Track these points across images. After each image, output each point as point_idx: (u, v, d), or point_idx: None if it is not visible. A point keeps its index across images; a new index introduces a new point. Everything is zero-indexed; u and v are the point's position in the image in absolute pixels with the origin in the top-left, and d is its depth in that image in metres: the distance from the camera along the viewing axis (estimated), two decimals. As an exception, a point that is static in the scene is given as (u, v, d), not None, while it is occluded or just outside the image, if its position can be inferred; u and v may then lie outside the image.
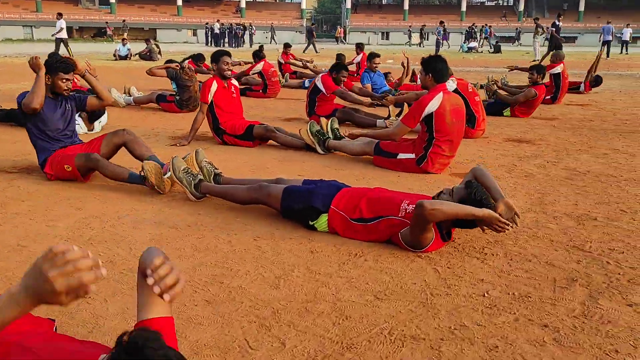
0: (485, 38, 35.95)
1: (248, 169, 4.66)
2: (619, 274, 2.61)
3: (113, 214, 3.41)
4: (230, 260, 2.73)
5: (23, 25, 44.20)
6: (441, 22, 25.06)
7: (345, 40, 49.52)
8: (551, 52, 10.14)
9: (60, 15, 20.22)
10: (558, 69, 8.94)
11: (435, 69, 4.45)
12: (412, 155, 4.54)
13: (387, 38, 51.81)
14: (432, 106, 4.32)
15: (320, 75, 6.97)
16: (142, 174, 3.77)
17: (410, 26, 44.49)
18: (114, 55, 20.40)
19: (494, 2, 64.71)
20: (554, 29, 18.88)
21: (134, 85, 8.58)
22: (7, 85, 10.59)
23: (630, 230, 3.21)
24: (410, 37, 42.75)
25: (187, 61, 9.07)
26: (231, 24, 37.96)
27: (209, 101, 5.44)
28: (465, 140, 5.09)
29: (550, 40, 19.27)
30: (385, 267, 2.66)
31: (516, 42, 40.78)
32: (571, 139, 6.08)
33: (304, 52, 29.00)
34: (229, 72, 5.51)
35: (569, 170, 4.66)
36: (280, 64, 13.71)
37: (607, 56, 24.08)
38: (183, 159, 3.75)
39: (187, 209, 3.52)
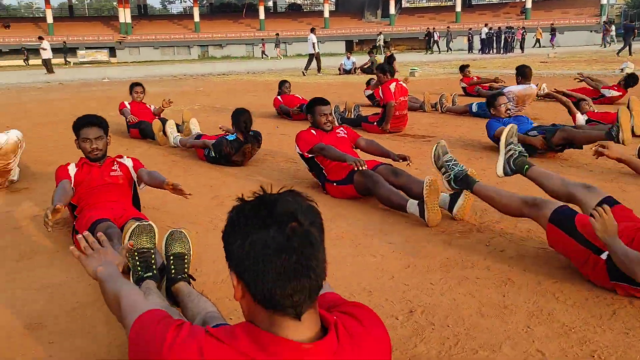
0: None
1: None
2: None
3: None
4: None
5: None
6: None
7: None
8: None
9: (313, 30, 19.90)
10: None
11: None
12: None
13: None
14: None
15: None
16: None
17: None
18: (339, 69, 19.50)
19: None
20: None
21: (194, 118, 6.22)
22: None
23: None
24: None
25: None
26: (499, 28, 33.73)
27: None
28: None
29: None
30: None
31: None
32: None
33: (617, 54, 22.69)
34: (330, 126, 4.18)
35: None
36: (464, 89, 10.47)
37: None
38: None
39: None
